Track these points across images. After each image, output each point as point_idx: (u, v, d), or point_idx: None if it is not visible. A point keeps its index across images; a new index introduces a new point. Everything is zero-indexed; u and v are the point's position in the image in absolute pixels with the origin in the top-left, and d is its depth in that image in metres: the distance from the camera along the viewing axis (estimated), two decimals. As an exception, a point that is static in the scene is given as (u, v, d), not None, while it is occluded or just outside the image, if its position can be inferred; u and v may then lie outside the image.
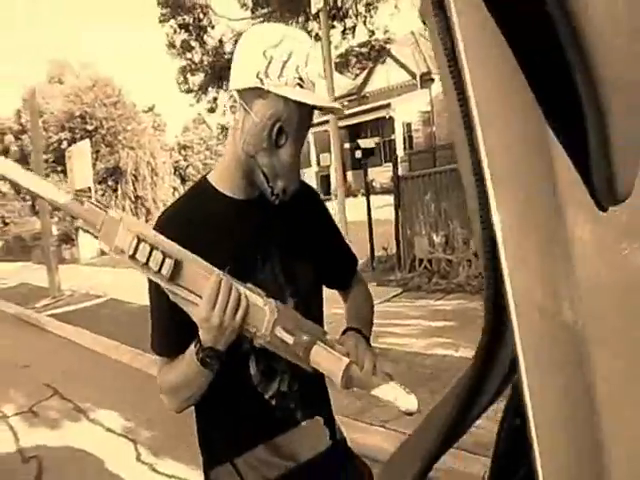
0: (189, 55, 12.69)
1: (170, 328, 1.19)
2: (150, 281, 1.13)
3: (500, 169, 0.37)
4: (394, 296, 6.95)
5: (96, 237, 0.93)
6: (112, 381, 5.79)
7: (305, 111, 1.12)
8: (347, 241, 1.46)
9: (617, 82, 0.33)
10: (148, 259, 0.94)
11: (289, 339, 1.06)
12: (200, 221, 1.18)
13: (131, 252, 0.93)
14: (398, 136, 23.49)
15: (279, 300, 1.11)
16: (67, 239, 18.32)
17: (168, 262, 0.95)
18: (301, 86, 1.09)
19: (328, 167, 16.64)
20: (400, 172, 9.00)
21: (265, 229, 1.23)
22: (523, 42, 0.36)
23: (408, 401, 1.09)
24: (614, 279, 0.40)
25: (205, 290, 1.00)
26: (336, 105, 1.14)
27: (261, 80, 1.08)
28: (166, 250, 0.96)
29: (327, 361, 1.09)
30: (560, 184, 0.37)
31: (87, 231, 0.92)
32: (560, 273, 0.37)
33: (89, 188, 19.00)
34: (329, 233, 1.40)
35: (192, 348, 1.09)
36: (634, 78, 0.34)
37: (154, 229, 1.06)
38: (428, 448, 0.58)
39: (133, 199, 20.57)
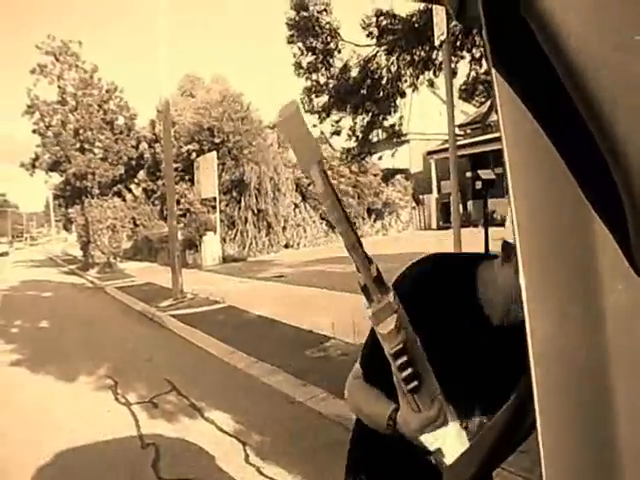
0: (314, 77, 12.91)
1: (376, 365, 1.18)
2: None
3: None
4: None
5: (368, 307, 0.90)
6: (226, 384, 5.99)
7: None
8: None
9: None
10: (401, 369, 0.94)
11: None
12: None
13: (390, 354, 0.93)
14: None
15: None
16: (191, 245, 19.20)
17: (414, 384, 0.96)
18: None
19: (448, 195, 16.36)
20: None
21: None
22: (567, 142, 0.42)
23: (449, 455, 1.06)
24: None
25: (429, 412, 1.02)
26: None
27: None
28: (416, 361, 0.95)
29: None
30: (600, 253, 0.42)
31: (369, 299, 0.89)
32: (585, 322, 0.43)
33: (214, 198, 19.91)
34: None
35: (387, 415, 1.15)
36: None
37: (394, 285, 1.10)
38: (483, 458, 0.66)
39: (255, 212, 21.00)
